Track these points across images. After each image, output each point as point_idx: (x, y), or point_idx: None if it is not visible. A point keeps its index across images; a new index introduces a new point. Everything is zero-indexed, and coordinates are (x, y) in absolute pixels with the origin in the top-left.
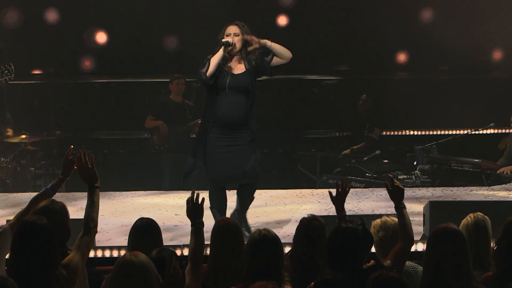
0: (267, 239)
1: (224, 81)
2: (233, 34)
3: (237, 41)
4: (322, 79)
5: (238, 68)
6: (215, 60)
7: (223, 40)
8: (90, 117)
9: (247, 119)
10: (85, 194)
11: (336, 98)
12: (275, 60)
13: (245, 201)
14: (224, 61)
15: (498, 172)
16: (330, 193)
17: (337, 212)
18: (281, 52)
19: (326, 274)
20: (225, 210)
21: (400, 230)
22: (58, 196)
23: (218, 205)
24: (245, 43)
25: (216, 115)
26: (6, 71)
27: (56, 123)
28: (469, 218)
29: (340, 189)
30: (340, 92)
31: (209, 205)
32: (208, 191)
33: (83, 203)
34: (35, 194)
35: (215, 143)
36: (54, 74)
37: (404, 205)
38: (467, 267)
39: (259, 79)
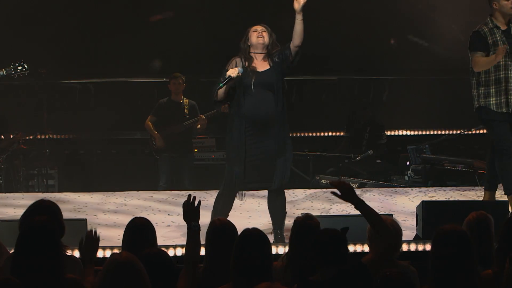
0: (253, 237)
1: (249, 80)
2: (260, 30)
3: (265, 35)
4: (315, 79)
5: (262, 65)
6: (221, 90)
7: (227, 75)
8: (82, 117)
9: (276, 117)
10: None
11: (329, 98)
12: (293, 49)
13: (275, 212)
14: (249, 61)
15: None
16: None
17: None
18: (301, 33)
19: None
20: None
21: (374, 226)
22: (51, 197)
23: (221, 212)
24: (272, 41)
25: (243, 114)
26: (20, 67)
27: (48, 123)
28: (472, 216)
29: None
30: (334, 92)
31: (212, 210)
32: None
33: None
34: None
35: (247, 145)
36: (47, 74)
37: (363, 200)
38: (473, 267)
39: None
